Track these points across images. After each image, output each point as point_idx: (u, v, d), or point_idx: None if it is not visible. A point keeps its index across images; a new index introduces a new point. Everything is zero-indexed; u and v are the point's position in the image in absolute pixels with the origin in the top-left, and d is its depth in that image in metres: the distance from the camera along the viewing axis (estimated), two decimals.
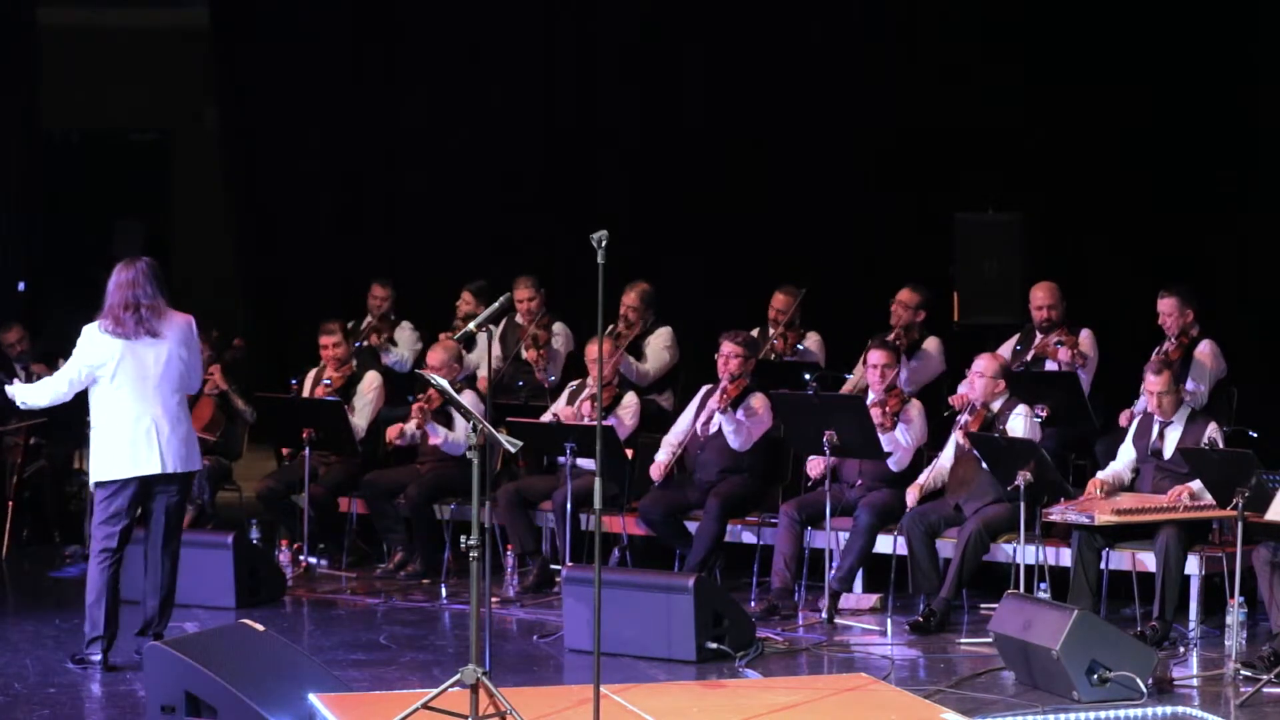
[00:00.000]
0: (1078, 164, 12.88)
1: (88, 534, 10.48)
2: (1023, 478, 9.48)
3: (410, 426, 11.31)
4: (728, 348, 10.79)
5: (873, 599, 10.42)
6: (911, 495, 10.30)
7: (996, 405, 10.34)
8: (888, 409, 10.44)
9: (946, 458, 10.43)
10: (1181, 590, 9.57)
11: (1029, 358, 11.15)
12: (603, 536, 8.12)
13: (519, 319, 12.39)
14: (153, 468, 8.79)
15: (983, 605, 10.18)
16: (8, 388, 9.30)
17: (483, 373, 11.98)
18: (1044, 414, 10.29)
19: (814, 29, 13.78)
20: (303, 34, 14.98)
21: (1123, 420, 10.60)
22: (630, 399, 11.42)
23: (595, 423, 8.25)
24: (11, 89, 14.91)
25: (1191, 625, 9.73)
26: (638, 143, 14.28)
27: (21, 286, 14.95)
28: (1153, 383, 9.91)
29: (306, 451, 11.36)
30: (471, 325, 7.91)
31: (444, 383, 7.89)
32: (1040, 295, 11.23)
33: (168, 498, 8.91)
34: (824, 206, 13.52)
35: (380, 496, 11.50)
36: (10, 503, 12.27)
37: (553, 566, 10.93)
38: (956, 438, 10.34)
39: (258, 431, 12.55)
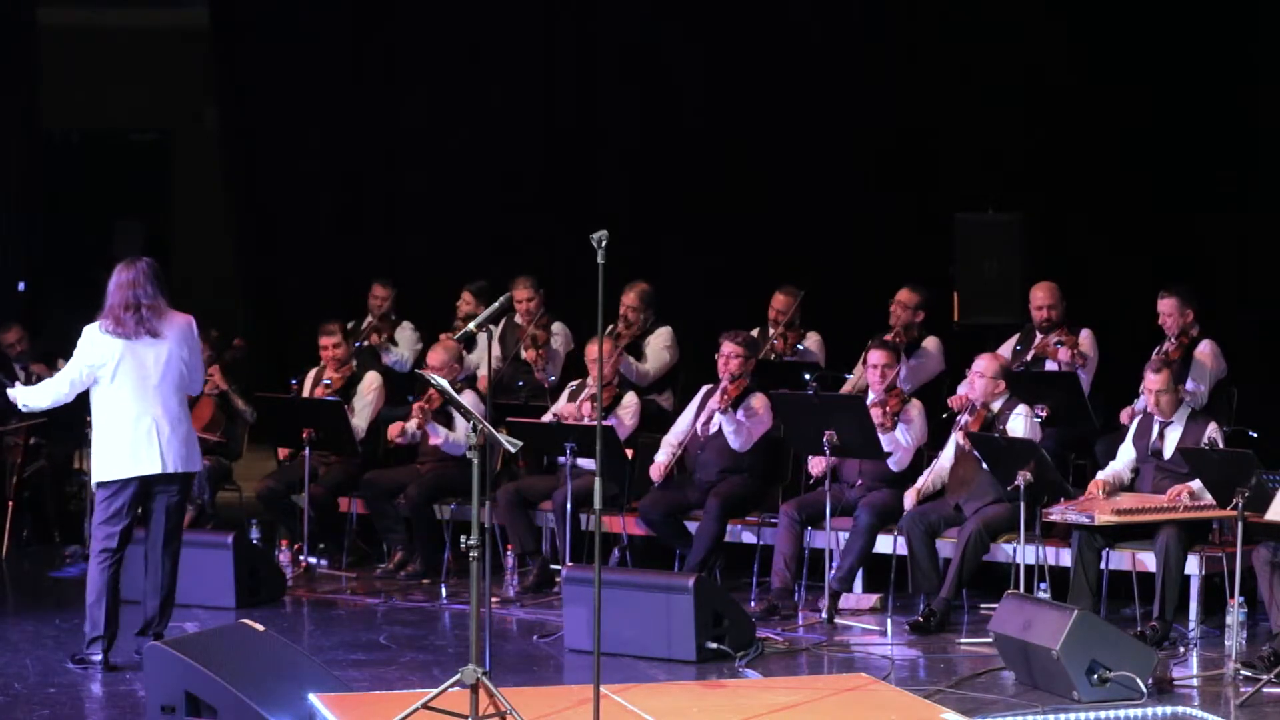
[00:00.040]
0: (1078, 164, 12.89)
1: (88, 534, 10.49)
2: (1023, 478, 9.48)
3: (411, 425, 11.31)
4: (728, 348, 10.79)
5: (873, 599, 10.42)
6: (909, 499, 10.29)
7: (997, 405, 10.34)
8: (888, 409, 10.44)
9: (946, 458, 10.43)
10: (1181, 590, 9.56)
11: (1029, 358, 11.15)
12: (603, 536, 8.13)
13: (518, 319, 12.40)
14: (153, 467, 8.80)
15: (983, 605, 10.17)
16: (9, 391, 9.31)
17: (483, 372, 11.98)
18: (1044, 414, 10.29)
19: (814, 29, 13.79)
20: (303, 34, 14.98)
21: (1124, 418, 10.60)
22: (630, 399, 11.41)
23: (595, 423, 8.25)
24: (11, 89, 14.91)
25: (1191, 625, 9.72)
26: (638, 143, 14.29)
27: (21, 286, 14.95)
28: (1152, 381, 9.91)
29: (306, 451, 11.36)
30: (471, 325, 7.92)
31: (444, 383, 7.89)
32: (1040, 295, 11.23)
33: (168, 498, 8.91)
34: (824, 206, 13.53)
35: (380, 496, 11.50)
36: (10, 503, 12.27)
37: (553, 566, 10.93)
38: (956, 438, 10.34)
39: (258, 431, 12.55)
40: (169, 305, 8.91)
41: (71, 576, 11.29)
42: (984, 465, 10.04)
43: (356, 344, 12.60)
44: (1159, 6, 12.62)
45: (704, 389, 11.08)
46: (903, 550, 10.17)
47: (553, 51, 14.68)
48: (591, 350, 11.40)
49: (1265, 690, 8.49)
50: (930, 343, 11.72)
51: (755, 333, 11.59)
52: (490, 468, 11.15)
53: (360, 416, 11.79)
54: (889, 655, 9.43)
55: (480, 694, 7.24)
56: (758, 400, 10.80)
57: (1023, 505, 9.53)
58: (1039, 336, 11.22)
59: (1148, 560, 9.65)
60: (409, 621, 10.18)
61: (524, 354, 12.19)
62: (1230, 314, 11.63)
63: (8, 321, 13.23)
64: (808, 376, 10.94)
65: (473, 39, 14.71)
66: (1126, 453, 10.09)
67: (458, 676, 7.25)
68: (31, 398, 9.08)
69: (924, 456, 10.66)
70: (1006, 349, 11.29)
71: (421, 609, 10.53)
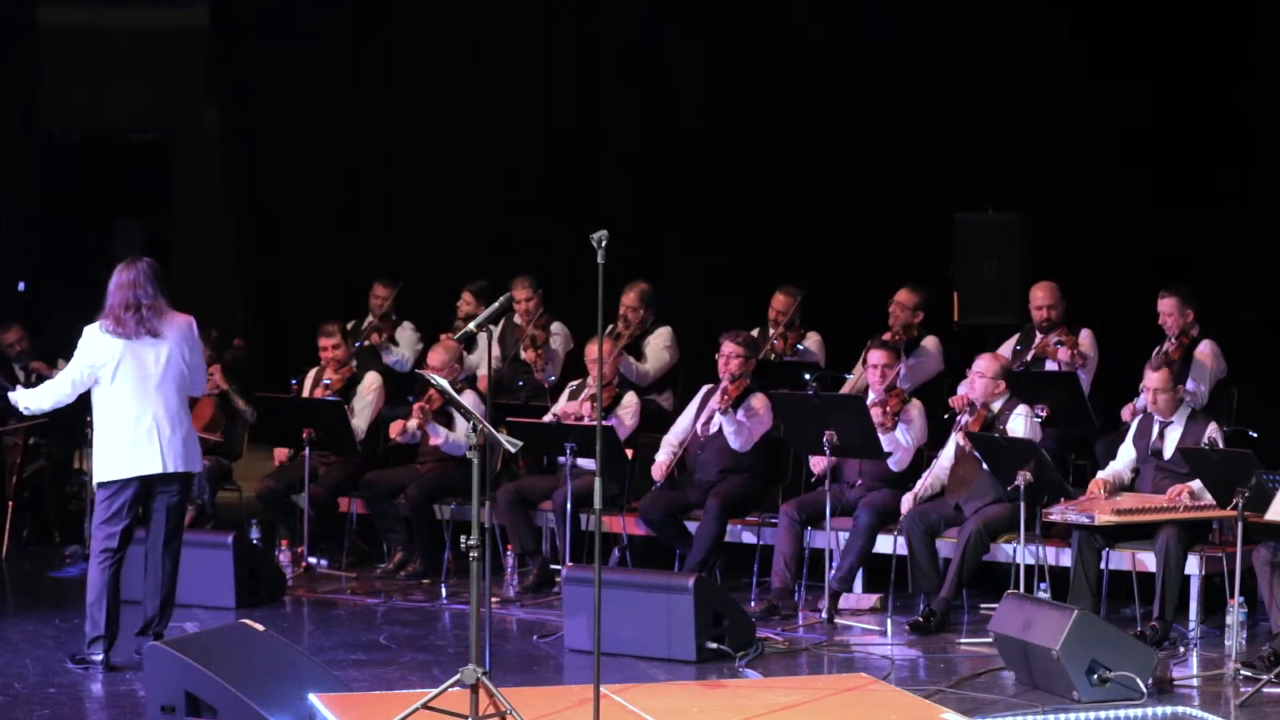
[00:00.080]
0: (1078, 164, 12.89)
1: (88, 534, 10.48)
2: (1023, 478, 9.48)
3: (412, 424, 11.31)
4: (728, 348, 10.79)
5: (873, 599, 10.42)
6: (906, 503, 10.28)
7: (997, 405, 10.34)
8: (888, 409, 10.44)
9: (946, 459, 10.42)
10: (1181, 590, 9.56)
11: (1029, 358, 11.15)
12: (603, 536, 8.13)
13: (517, 319, 12.40)
14: (154, 467, 8.80)
15: (983, 605, 10.17)
16: (11, 395, 9.31)
17: (483, 372, 11.99)
18: (1044, 414, 10.28)
19: (814, 29, 13.79)
20: (303, 34, 14.99)
21: (1125, 415, 10.59)
22: (630, 399, 11.41)
23: (595, 423, 8.25)
24: (11, 89, 14.91)
25: (1191, 625, 9.72)
26: (638, 143, 14.29)
27: (21, 286, 14.96)
28: (1151, 379, 9.91)
29: (307, 451, 11.36)
30: (471, 325, 7.92)
31: (444, 383, 7.89)
32: (1040, 295, 11.23)
33: (169, 498, 8.91)
34: (824, 206, 13.53)
35: (380, 496, 11.50)
36: (10, 503, 12.27)
37: (553, 566, 10.93)
38: (956, 439, 10.34)
39: (258, 431, 12.55)
40: (169, 305, 8.92)
41: (71, 576, 11.29)
42: (984, 465, 10.04)
43: (357, 344, 12.60)
44: (1159, 6, 12.62)
45: (704, 389, 11.08)
46: (903, 550, 10.17)
47: (553, 51, 14.69)
48: (591, 350, 11.40)
49: (1265, 690, 8.49)
50: (929, 342, 11.72)
51: (755, 333, 11.59)
52: (490, 468, 11.15)
53: (360, 417, 11.79)
54: (889, 655, 9.43)
55: (480, 694, 7.24)
56: (758, 400, 10.80)
57: (1023, 505, 9.53)
58: (1039, 336, 11.22)
59: (1148, 560, 9.65)
60: (409, 621, 10.18)
61: (523, 354, 12.19)
62: (1230, 314, 11.63)
63: (8, 321, 13.24)
64: (808, 376, 10.94)
65: (473, 39, 14.71)
66: (1127, 452, 10.09)
67: (458, 676, 7.25)
68: (33, 400, 9.09)
69: (924, 456, 10.66)
70: (1006, 349, 11.28)
71: (421, 609, 10.53)
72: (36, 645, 9.47)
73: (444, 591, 10.90)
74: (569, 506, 10.70)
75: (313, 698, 7.61)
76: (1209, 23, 12.47)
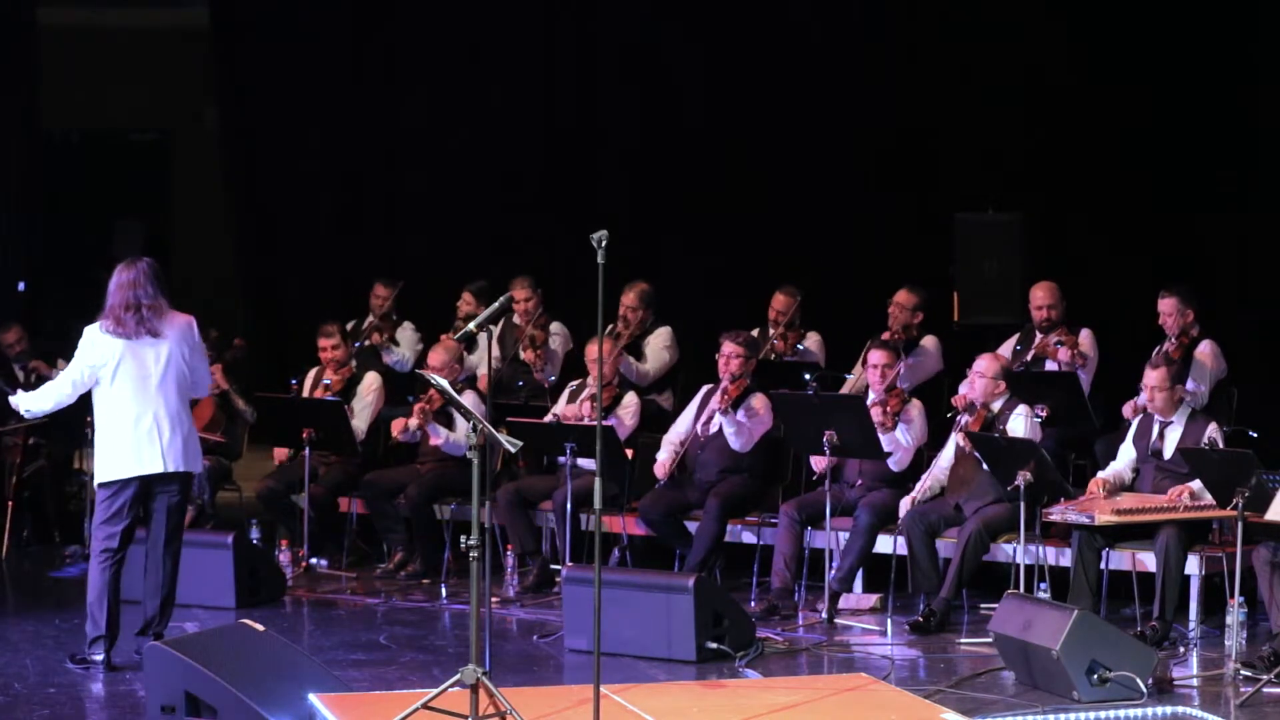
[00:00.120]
0: (1078, 164, 12.89)
1: (88, 534, 10.49)
2: (1023, 478, 9.48)
3: (413, 423, 11.31)
4: (728, 348, 10.79)
5: (873, 599, 10.42)
6: (904, 506, 10.27)
7: (997, 405, 10.34)
8: (888, 409, 10.43)
9: (945, 459, 10.42)
10: (1181, 590, 9.56)
11: (1029, 358, 11.15)
12: (603, 536, 8.13)
13: (516, 319, 12.40)
14: (154, 467, 8.80)
15: (983, 605, 10.17)
16: (12, 399, 9.31)
17: (483, 372, 11.99)
18: (1044, 414, 10.28)
19: (814, 29, 13.79)
20: (303, 34, 14.99)
21: (1126, 412, 10.58)
22: (630, 399, 11.41)
23: (595, 423, 8.25)
24: (11, 89, 14.92)
25: (1191, 625, 9.72)
26: (638, 143, 14.29)
27: (21, 286, 14.96)
28: (1150, 378, 9.91)
29: (307, 451, 11.36)
30: (471, 325, 7.91)
31: (444, 383, 7.89)
32: (1040, 295, 11.23)
33: (169, 497, 8.91)
34: (824, 206, 13.53)
35: (380, 496, 11.49)
36: (10, 503, 12.27)
37: (553, 566, 10.93)
38: (956, 439, 10.34)
39: (258, 431, 12.56)
40: (169, 305, 8.92)
41: (71, 576, 11.29)
42: (984, 465, 10.04)
43: (357, 344, 12.60)
44: (1159, 6, 12.63)
45: (704, 389, 11.08)
46: (903, 550, 10.17)
47: (553, 51, 14.69)
48: (591, 350, 11.39)
49: (1265, 690, 8.49)
50: (928, 341, 11.72)
51: (755, 333, 11.59)
52: (490, 468, 11.15)
53: (360, 417, 11.79)
54: (889, 655, 9.42)
55: (480, 694, 7.24)
56: (758, 400, 10.80)
57: (1023, 505, 9.53)
58: (1039, 336, 11.22)
59: (1148, 560, 9.65)
60: (409, 621, 10.18)
61: (522, 354, 12.19)
62: (1230, 314, 11.63)
63: (8, 321, 13.24)
64: (808, 376, 10.94)
65: (473, 39, 14.71)
66: (1127, 452, 10.09)
67: (458, 676, 7.24)
68: (34, 403, 9.09)
69: (924, 456, 10.66)
70: (1006, 349, 11.28)
71: (421, 609, 10.53)
72: (36, 645, 9.47)
73: (444, 591, 10.90)
74: (569, 506, 10.70)
75: (313, 698, 7.61)
76: (1209, 23, 12.47)
